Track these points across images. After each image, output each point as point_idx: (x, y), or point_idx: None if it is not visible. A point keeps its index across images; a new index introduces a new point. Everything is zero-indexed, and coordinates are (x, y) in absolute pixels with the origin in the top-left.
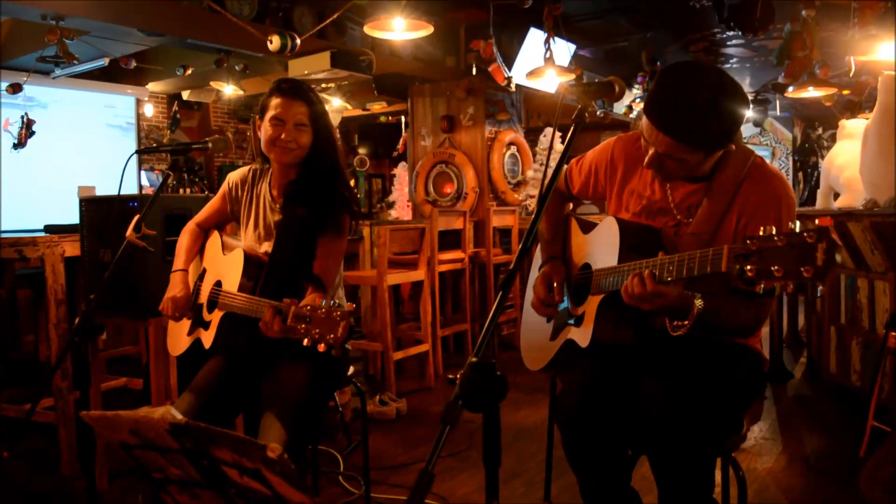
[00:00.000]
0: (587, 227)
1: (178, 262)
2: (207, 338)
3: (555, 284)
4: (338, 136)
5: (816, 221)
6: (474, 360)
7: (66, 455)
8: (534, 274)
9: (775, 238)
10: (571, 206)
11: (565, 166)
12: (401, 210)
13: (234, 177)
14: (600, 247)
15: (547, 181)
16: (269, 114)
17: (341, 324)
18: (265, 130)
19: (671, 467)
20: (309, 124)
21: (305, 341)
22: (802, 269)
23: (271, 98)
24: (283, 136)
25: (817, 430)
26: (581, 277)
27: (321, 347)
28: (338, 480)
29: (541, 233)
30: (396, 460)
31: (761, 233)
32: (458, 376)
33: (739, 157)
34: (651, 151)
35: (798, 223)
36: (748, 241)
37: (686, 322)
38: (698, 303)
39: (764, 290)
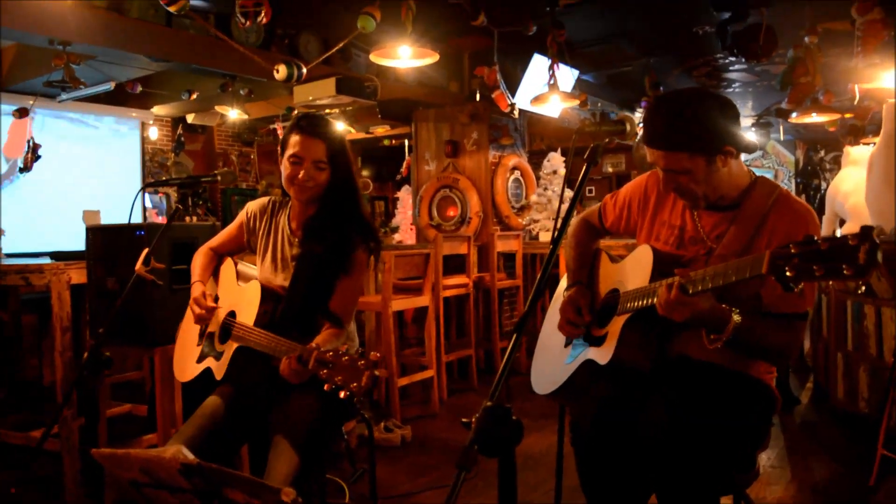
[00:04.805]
0: (617, 258)
1: (195, 276)
2: (219, 368)
3: (581, 306)
4: (357, 171)
5: None
6: (489, 404)
7: (71, 484)
8: (557, 299)
9: (817, 241)
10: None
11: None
12: (404, 233)
13: (253, 207)
14: (631, 271)
15: (560, 220)
16: (289, 151)
17: (366, 373)
18: (284, 168)
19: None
20: (327, 162)
21: (326, 386)
22: (843, 266)
23: (291, 135)
24: (300, 175)
25: (826, 458)
26: (608, 300)
27: (342, 394)
28: None
29: (567, 263)
30: (401, 489)
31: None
32: (474, 420)
33: (766, 187)
34: (661, 175)
35: None
36: (789, 246)
37: (722, 336)
38: (736, 318)
39: (802, 290)
